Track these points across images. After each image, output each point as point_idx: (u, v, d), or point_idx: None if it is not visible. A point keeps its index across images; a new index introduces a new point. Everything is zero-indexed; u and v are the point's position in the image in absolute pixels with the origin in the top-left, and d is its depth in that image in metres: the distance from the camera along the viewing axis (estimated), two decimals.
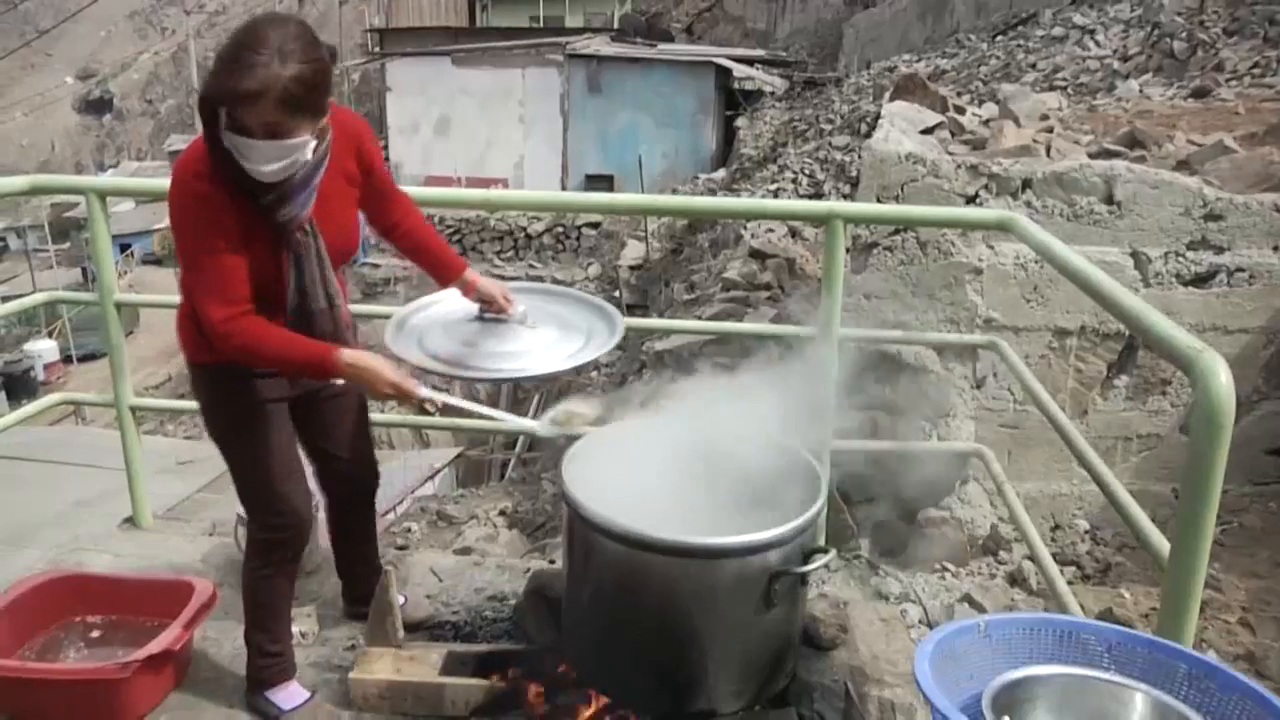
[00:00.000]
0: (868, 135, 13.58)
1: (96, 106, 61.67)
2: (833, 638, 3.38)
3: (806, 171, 13.84)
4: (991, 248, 4.35)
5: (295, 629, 2.80)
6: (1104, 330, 4.38)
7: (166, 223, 2.61)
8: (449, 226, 19.14)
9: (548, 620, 2.96)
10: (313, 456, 2.67)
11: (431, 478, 11.33)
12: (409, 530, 9.35)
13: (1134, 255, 4.33)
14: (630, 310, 16.05)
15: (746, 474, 2.66)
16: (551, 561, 3.98)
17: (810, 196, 13.50)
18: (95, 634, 2.77)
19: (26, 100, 60.42)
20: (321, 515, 2.81)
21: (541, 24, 30.20)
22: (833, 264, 3.53)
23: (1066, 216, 4.30)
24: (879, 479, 4.24)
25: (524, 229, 18.67)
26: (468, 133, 23.88)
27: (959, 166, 4.31)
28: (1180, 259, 4.32)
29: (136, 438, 3.64)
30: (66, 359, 24.07)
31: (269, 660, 2.58)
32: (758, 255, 9.32)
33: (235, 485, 2.48)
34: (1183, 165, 4.93)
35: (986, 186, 4.32)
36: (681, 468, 2.63)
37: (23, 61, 61.91)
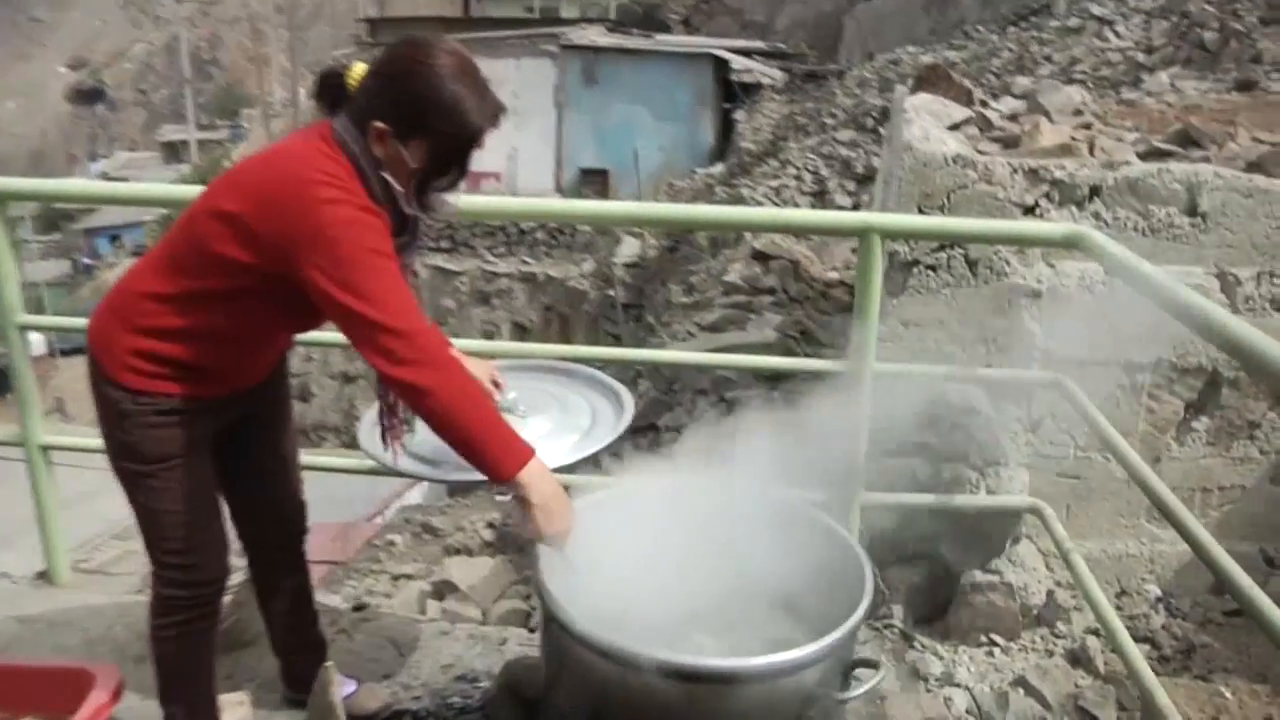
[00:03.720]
0: (874, 130, 12.99)
1: (89, 96, 60.82)
2: None
3: (810, 168, 13.34)
4: (1052, 267, 3.70)
5: (228, 717, 2.49)
6: (1183, 365, 3.73)
7: (158, 213, 2.08)
8: (441, 221, 18.55)
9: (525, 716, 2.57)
10: (228, 493, 2.33)
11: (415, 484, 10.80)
12: (391, 543, 8.90)
13: (1220, 276, 3.68)
14: (626, 310, 15.57)
15: (768, 553, 2.28)
16: (532, 630, 3.46)
17: (814, 194, 13.05)
18: None
19: (18, 89, 59.75)
20: None
21: (537, 14, 29.66)
22: (868, 286, 3.02)
23: (1141, 230, 3.65)
24: (916, 537, 3.61)
25: (516, 224, 18.17)
26: None
27: (1015, 171, 3.65)
28: (1276, 280, 3.67)
29: (50, 483, 3.23)
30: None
31: None
32: (760, 257, 8.81)
33: (141, 532, 2.16)
34: (1255, 167, 4.30)
35: (1048, 195, 3.67)
36: (686, 543, 2.24)
37: (15, 50, 61.28)
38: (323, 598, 4.08)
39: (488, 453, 1.89)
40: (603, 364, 2.67)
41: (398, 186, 1.92)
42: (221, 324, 2.01)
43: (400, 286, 1.88)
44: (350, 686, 2.75)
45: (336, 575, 8.16)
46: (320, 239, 1.82)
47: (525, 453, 1.91)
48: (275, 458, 2.38)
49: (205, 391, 2.07)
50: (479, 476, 1.95)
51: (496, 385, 2.35)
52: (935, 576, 3.84)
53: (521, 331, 16.54)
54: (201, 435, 2.12)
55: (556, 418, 2.34)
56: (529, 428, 2.22)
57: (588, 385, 2.55)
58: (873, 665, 2.10)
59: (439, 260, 18.51)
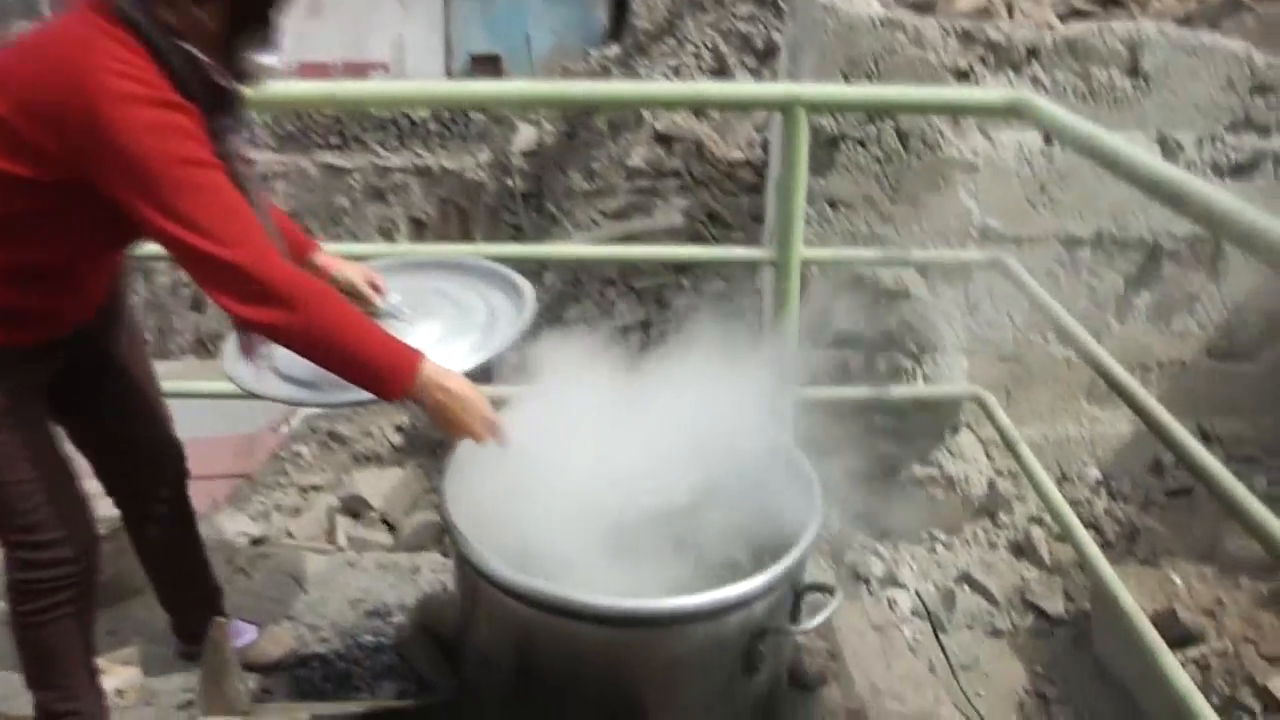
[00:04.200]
0: (773, 3, 12.57)
1: None
2: (820, 670, 2.61)
3: (709, 45, 12.88)
4: (989, 138, 3.43)
5: (109, 684, 2.23)
6: (1124, 238, 3.52)
7: None
8: (328, 117, 17.81)
9: (443, 659, 2.42)
10: (88, 448, 2.10)
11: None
12: (298, 454, 8.57)
13: (1162, 141, 3.46)
14: (526, 200, 15.07)
15: (703, 469, 2.05)
16: (446, 554, 3.30)
17: (714, 72, 12.62)
18: None
19: None
20: None
21: None
22: (793, 164, 2.74)
23: (1081, 95, 3.39)
24: (851, 432, 3.39)
25: (408, 115, 17.40)
26: (342, 12, 22.16)
27: (947, 34, 3.36)
28: (1218, 144, 3.46)
29: None
30: None
31: None
32: (662, 139, 8.47)
33: None
34: (1185, 23, 4.08)
35: (982, 59, 3.38)
36: (612, 458, 2.00)
37: None
38: (229, 519, 3.78)
39: (370, 373, 1.69)
40: (505, 262, 2.33)
41: (203, 58, 1.63)
42: (25, 257, 1.70)
43: (231, 204, 1.63)
44: (250, 633, 2.54)
45: (243, 491, 7.82)
46: (122, 156, 1.55)
47: (411, 361, 1.70)
48: (132, 396, 2.10)
49: (24, 337, 1.77)
50: (367, 395, 1.74)
51: (376, 289, 2.10)
52: (872, 473, 3.64)
53: (419, 227, 15.96)
54: (33, 387, 1.84)
55: (449, 319, 2.11)
56: (416, 334, 2.00)
57: (483, 279, 2.28)
58: (826, 590, 1.93)
59: (328, 157, 17.72)
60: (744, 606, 1.71)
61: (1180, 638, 2.71)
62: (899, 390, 3.48)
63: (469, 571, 1.79)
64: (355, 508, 6.20)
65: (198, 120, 1.62)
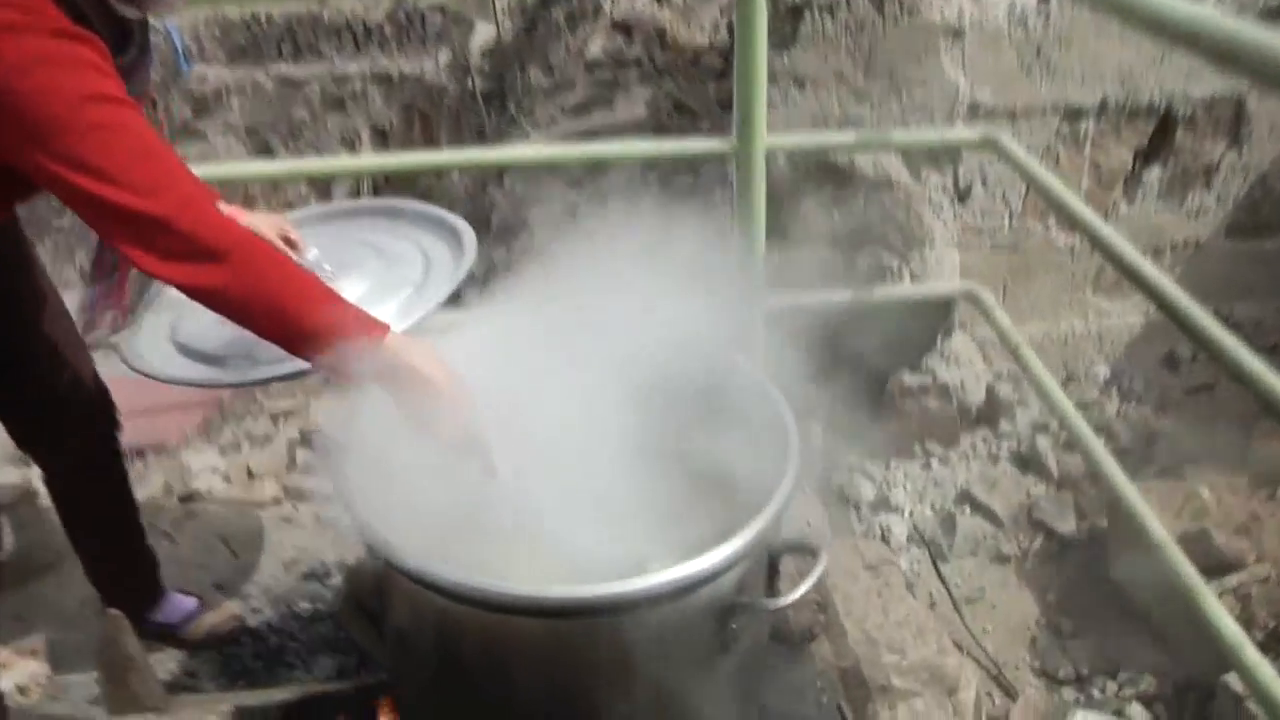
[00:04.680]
0: None
1: None
2: (808, 625, 2.33)
3: None
4: None
5: (8, 680, 2.14)
6: (1133, 105, 3.10)
7: None
8: (279, 25, 17.11)
9: (378, 634, 2.00)
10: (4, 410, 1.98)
11: None
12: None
13: None
14: (487, 101, 14.50)
15: (659, 408, 1.79)
16: None
17: None
18: None
19: None
20: None
21: None
22: (750, 40, 2.47)
23: None
24: (832, 341, 3.01)
25: (362, 20, 16.70)
26: None
27: None
28: None
29: None
30: None
31: None
32: (621, 27, 7.97)
33: None
34: None
35: None
36: (547, 406, 1.72)
37: None
38: (196, 455, 3.47)
39: (319, 345, 1.41)
40: (466, 170, 2.09)
41: None
42: None
43: (146, 145, 1.40)
44: (190, 607, 2.40)
45: (214, 422, 7.49)
46: (5, 95, 1.33)
47: (375, 334, 1.45)
48: (38, 343, 1.92)
49: None
50: (300, 365, 1.53)
51: (290, 244, 1.85)
52: (857, 384, 3.27)
53: (382, 137, 15.43)
54: None
55: (376, 273, 1.87)
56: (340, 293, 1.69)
57: (416, 225, 2.06)
58: (809, 551, 1.65)
59: (283, 68, 17.09)
60: (706, 584, 1.41)
61: (1215, 565, 2.37)
62: (883, 291, 3.09)
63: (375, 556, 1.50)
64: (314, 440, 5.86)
65: (101, 53, 1.40)
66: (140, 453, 3.36)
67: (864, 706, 2.18)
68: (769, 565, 1.65)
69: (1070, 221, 2.44)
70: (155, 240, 1.37)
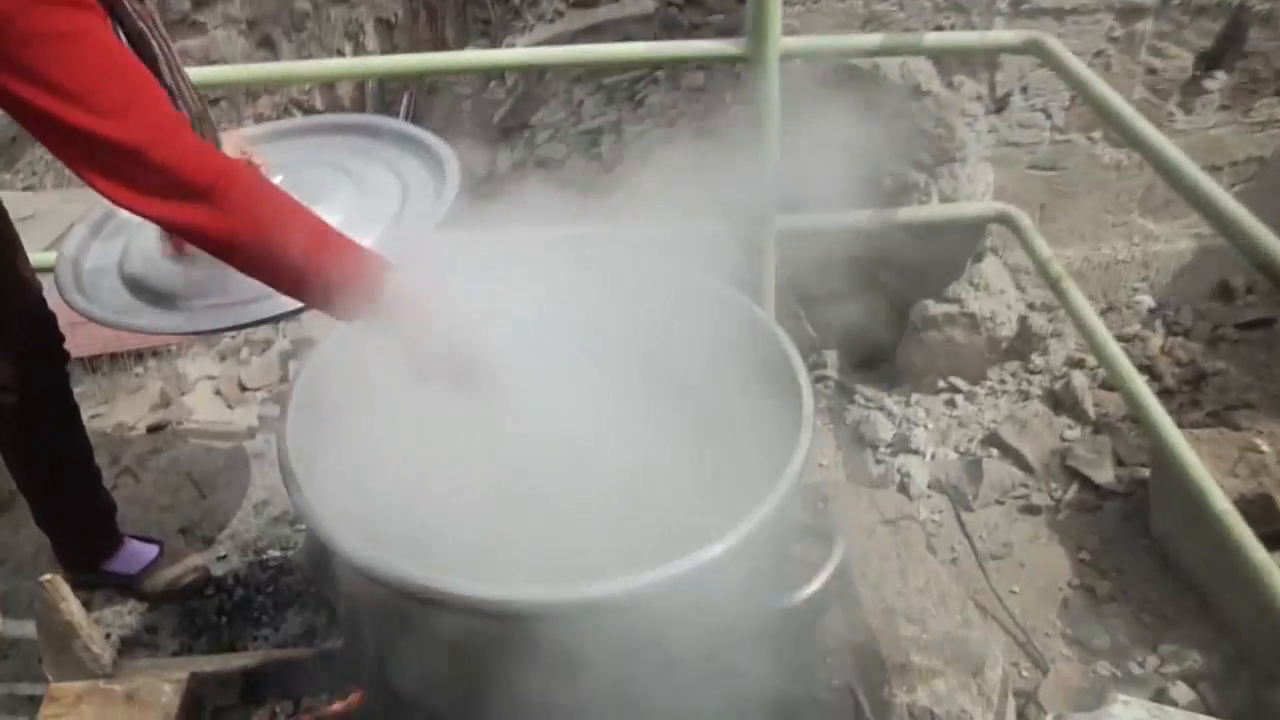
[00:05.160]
0: None
1: None
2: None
3: None
4: None
5: None
6: (1198, 1, 2.75)
7: None
8: None
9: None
10: None
11: None
12: None
13: None
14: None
15: (658, 375, 1.69)
16: None
17: None
18: None
19: None
20: None
21: None
22: None
23: None
24: (850, 265, 2.74)
25: None
26: None
27: None
28: None
29: None
30: None
31: None
32: None
33: None
34: None
35: None
36: (547, 351, 1.59)
37: None
38: (192, 361, 3.31)
39: (316, 287, 1.30)
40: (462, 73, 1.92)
41: None
42: None
43: (113, 58, 1.24)
44: (149, 554, 2.28)
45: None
46: None
47: (374, 255, 1.35)
48: None
49: None
50: (283, 307, 1.45)
51: (252, 165, 1.66)
52: (877, 313, 2.99)
53: (388, 29, 14.98)
54: None
55: (349, 203, 1.71)
56: None
57: (395, 146, 1.86)
58: (823, 536, 1.48)
59: None
60: (695, 584, 1.22)
61: (1277, 533, 2.11)
62: (909, 213, 2.79)
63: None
64: (305, 351, 5.60)
65: None
66: (139, 356, 3.24)
67: (879, 689, 1.96)
68: (776, 559, 1.46)
69: (1121, 133, 2.14)
70: (127, 172, 1.23)
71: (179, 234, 1.36)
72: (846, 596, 2.09)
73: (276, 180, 1.63)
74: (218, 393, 3.20)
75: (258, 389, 3.24)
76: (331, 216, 1.61)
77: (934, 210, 2.82)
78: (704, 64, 3.13)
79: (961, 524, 2.57)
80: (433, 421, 1.45)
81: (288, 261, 1.28)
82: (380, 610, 1.42)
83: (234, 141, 1.73)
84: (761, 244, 2.63)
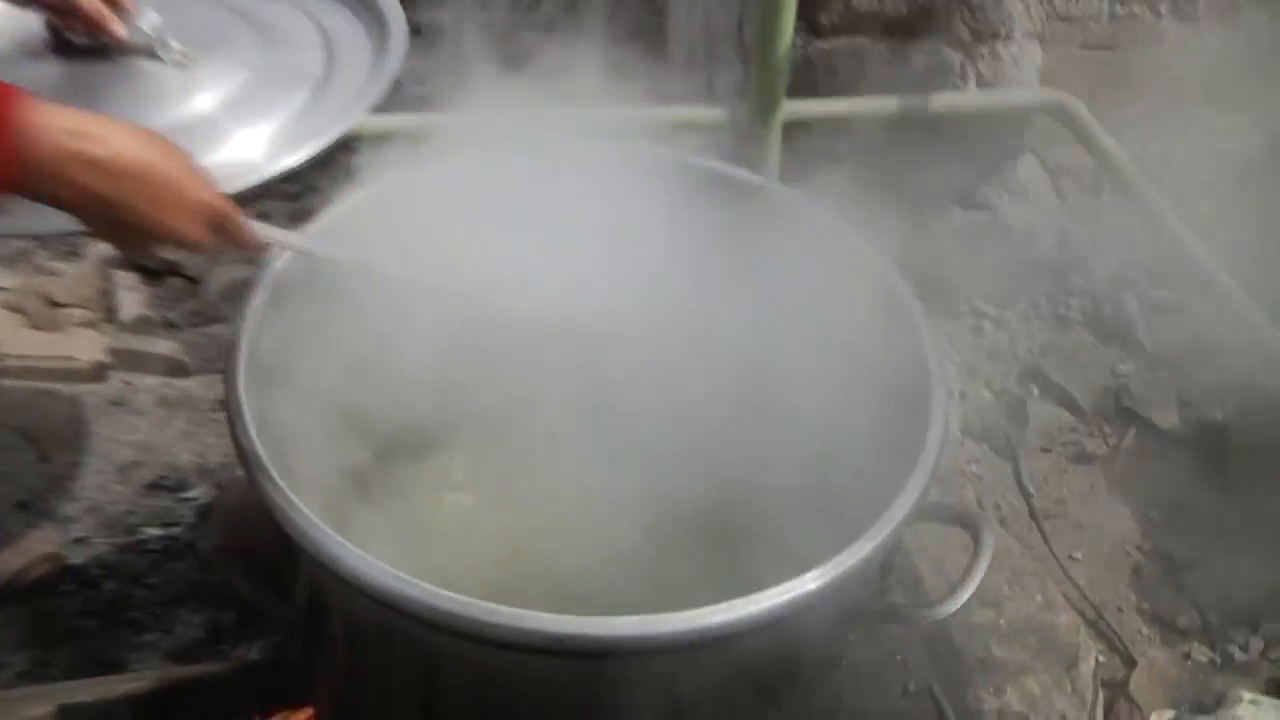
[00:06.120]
0: None
1: None
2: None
3: None
4: None
5: None
6: None
7: None
8: None
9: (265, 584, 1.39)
10: None
11: None
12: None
13: None
14: None
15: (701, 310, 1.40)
16: None
17: None
18: None
19: None
20: None
21: None
22: None
23: None
24: (867, 156, 2.27)
25: None
26: None
27: None
28: None
29: None
30: None
31: None
32: None
33: None
34: None
35: None
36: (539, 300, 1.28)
37: None
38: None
39: None
40: None
41: None
42: None
43: None
44: None
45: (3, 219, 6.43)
46: None
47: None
48: None
49: None
50: None
51: (115, 3, 1.19)
52: (891, 222, 2.53)
53: None
54: None
55: (252, 60, 1.28)
56: (194, 90, 1.22)
57: None
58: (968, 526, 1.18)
59: None
60: (794, 619, 0.93)
61: None
62: (944, 99, 2.33)
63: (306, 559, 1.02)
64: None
65: None
66: None
67: (962, 690, 1.55)
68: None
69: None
70: None
71: None
72: (909, 581, 1.67)
73: (150, 21, 1.19)
74: (17, 311, 2.41)
75: (74, 306, 2.46)
76: (232, 74, 1.23)
77: (973, 98, 2.36)
78: None
79: (1017, 475, 2.14)
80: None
81: None
82: (390, 640, 1.03)
83: None
84: (765, 142, 2.15)
